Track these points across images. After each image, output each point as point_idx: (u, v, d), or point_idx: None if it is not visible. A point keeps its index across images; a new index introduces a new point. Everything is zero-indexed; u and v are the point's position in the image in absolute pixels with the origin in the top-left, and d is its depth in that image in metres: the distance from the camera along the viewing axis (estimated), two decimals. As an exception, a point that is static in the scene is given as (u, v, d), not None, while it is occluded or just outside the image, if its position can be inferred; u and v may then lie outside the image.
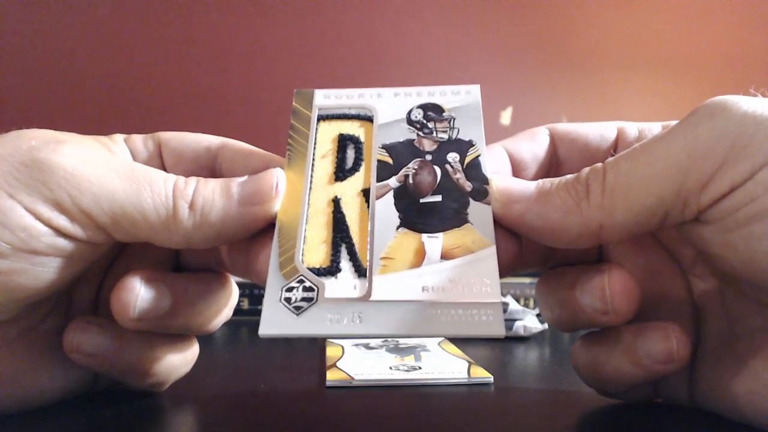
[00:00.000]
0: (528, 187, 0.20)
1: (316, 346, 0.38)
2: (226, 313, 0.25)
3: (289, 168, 0.22)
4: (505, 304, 0.42)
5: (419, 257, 0.19)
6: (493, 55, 0.91)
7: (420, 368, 0.30)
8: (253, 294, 0.52)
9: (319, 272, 0.19)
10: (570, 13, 0.91)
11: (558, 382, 0.30)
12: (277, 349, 0.41)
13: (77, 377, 0.24)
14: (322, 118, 0.24)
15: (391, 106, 0.23)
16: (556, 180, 0.20)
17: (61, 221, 0.19)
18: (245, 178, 0.21)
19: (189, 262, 0.26)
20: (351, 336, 0.19)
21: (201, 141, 0.24)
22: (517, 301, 0.47)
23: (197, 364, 0.27)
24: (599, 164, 0.20)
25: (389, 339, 0.38)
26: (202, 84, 0.88)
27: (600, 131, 0.24)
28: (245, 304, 0.52)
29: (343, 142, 0.23)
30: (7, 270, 0.19)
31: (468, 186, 0.21)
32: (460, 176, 0.21)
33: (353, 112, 0.24)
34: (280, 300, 0.19)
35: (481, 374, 0.28)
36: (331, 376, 0.28)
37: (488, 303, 0.18)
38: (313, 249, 0.20)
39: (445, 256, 0.19)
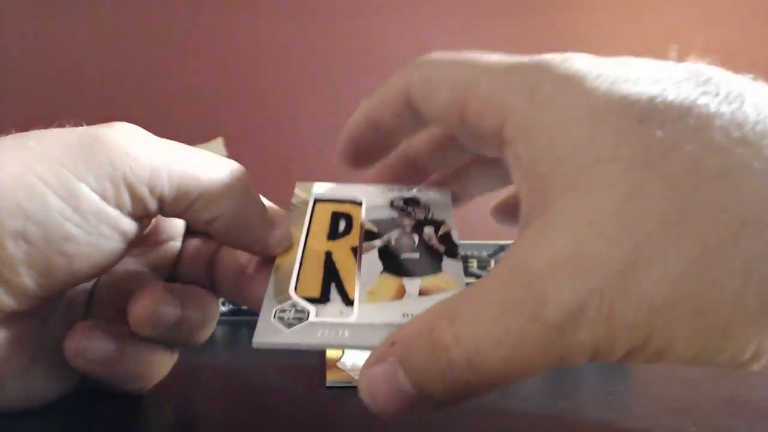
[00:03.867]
0: (406, 393, 0.18)
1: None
2: (213, 327, 0.26)
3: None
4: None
5: (400, 293, 0.22)
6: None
7: (420, 368, 0.30)
8: (253, 294, 0.52)
9: (311, 300, 0.21)
10: (570, 13, 0.91)
11: (558, 382, 0.30)
12: (277, 349, 0.41)
13: (69, 379, 0.24)
14: (318, 200, 0.27)
15: (376, 197, 0.27)
16: (425, 375, 0.17)
17: (125, 198, 0.20)
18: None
19: (183, 276, 0.26)
20: (338, 346, 0.20)
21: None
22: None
23: (197, 364, 0.27)
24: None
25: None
26: (201, 84, 0.88)
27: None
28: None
29: (336, 216, 0.26)
30: (74, 253, 0.19)
31: (441, 248, 0.24)
32: (434, 242, 0.24)
33: (345, 198, 0.27)
34: (274, 318, 0.21)
35: (481, 374, 0.28)
36: (331, 376, 0.28)
37: None
38: (307, 283, 0.22)
39: (422, 293, 0.22)
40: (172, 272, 0.26)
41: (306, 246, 0.24)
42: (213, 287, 0.26)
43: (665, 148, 0.15)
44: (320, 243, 0.24)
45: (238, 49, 0.89)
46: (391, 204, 0.26)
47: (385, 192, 0.27)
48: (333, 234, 0.25)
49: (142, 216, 0.21)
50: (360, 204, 0.27)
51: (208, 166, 0.21)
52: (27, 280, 0.19)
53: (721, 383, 0.28)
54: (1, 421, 0.22)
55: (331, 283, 0.22)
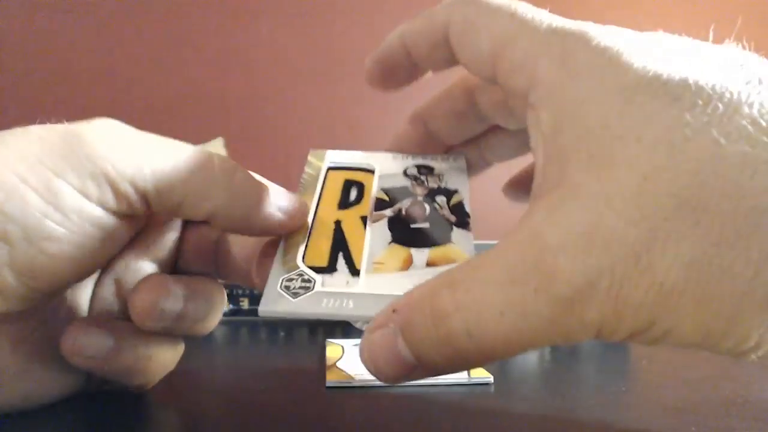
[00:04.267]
0: (403, 359, 0.18)
1: (316, 345, 0.38)
2: (219, 316, 0.25)
3: (299, 196, 0.25)
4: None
5: (407, 264, 0.22)
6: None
7: (420, 368, 0.30)
8: (253, 294, 0.52)
9: (317, 270, 0.21)
10: (570, 13, 0.91)
11: (558, 382, 0.30)
12: (277, 349, 0.41)
13: (73, 378, 0.24)
14: (331, 168, 0.27)
15: (390, 164, 0.27)
16: (424, 344, 0.18)
17: (108, 196, 0.19)
18: (272, 185, 0.23)
19: (187, 266, 0.26)
20: (342, 317, 0.20)
21: None
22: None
23: (198, 364, 0.27)
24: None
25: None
26: (201, 84, 0.88)
27: None
28: (245, 304, 0.52)
29: (348, 184, 0.26)
30: (57, 253, 0.19)
31: (453, 218, 0.24)
32: (446, 212, 0.24)
33: (357, 166, 0.27)
34: (280, 287, 0.21)
35: (481, 374, 0.28)
36: (331, 376, 0.28)
37: None
38: (315, 252, 0.22)
39: (429, 264, 0.22)
40: (176, 263, 0.26)
41: (316, 215, 0.24)
42: (220, 274, 0.26)
43: (692, 132, 0.15)
44: (330, 211, 0.24)
45: (238, 50, 0.89)
46: (405, 172, 0.26)
47: (399, 160, 0.27)
48: (344, 203, 0.25)
49: (128, 214, 0.20)
50: (373, 172, 0.26)
51: (193, 159, 0.21)
52: (11, 281, 0.19)
53: (721, 383, 0.28)
54: (2, 421, 0.22)
55: (339, 252, 0.22)
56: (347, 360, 0.32)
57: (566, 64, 0.18)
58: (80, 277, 0.21)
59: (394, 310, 0.18)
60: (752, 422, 0.22)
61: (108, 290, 0.24)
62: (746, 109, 0.15)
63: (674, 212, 0.15)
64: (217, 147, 0.77)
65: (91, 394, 0.25)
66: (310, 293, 0.20)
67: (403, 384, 0.28)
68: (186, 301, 0.22)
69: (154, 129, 0.26)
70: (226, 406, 0.25)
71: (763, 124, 0.15)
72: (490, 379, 0.28)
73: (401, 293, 0.19)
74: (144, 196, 0.20)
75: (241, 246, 0.25)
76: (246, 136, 0.81)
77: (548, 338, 0.16)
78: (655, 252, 0.15)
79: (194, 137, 0.28)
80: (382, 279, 0.21)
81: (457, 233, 0.23)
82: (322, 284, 0.21)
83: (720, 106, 0.15)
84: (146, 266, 0.25)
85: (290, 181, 0.29)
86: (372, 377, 0.28)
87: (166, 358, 0.24)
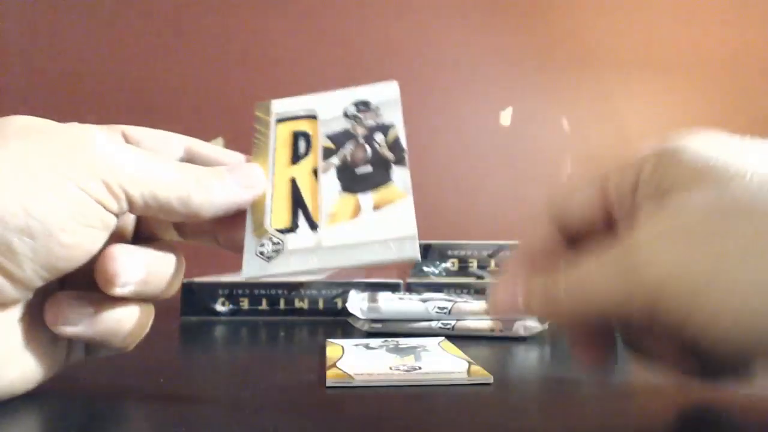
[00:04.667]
0: (516, 304, 0.24)
1: (316, 345, 0.38)
2: (181, 279, 0.27)
3: (255, 160, 0.28)
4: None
5: (357, 211, 0.25)
6: (493, 55, 0.91)
7: (420, 368, 0.30)
8: (253, 294, 0.52)
9: (283, 231, 0.25)
10: (570, 14, 0.91)
11: (558, 382, 0.30)
12: (277, 349, 0.41)
13: (58, 353, 0.25)
14: (279, 120, 0.29)
15: (331, 106, 0.29)
16: (534, 293, 0.23)
17: (107, 197, 0.22)
18: (230, 166, 0.26)
19: (149, 231, 0.28)
20: (311, 272, 0.24)
21: (171, 140, 0.28)
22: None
23: (197, 364, 0.27)
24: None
25: (389, 339, 0.38)
26: (201, 84, 0.88)
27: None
28: (245, 304, 0.52)
29: (296, 136, 0.28)
30: (71, 243, 0.22)
31: (391, 156, 0.27)
32: (384, 150, 0.27)
33: (302, 113, 0.29)
34: (256, 254, 0.25)
35: (481, 374, 0.28)
36: (331, 376, 0.28)
37: (407, 236, 0.24)
38: (278, 215, 0.26)
39: (375, 208, 0.25)
40: (137, 230, 0.27)
41: (274, 175, 0.27)
42: (183, 236, 0.28)
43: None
44: (285, 170, 0.27)
45: (238, 50, 0.89)
46: (345, 113, 0.29)
47: (338, 98, 0.29)
48: (295, 157, 0.28)
49: (117, 212, 0.23)
50: (315, 118, 0.29)
51: (177, 173, 0.24)
52: (30, 273, 0.21)
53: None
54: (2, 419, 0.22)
55: (298, 210, 0.26)
56: (347, 360, 0.32)
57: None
58: (83, 262, 0.23)
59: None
60: (752, 422, 0.22)
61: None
62: None
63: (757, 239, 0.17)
64: (217, 147, 0.77)
65: (90, 394, 0.25)
66: (280, 255, 0.24)
67: (403, 384, 0.28)
68: (147, 268, 0.24)
69: (154, 128, 0.27)
70: (226, 405, 0.25)
71: None
72: (490, 379, 0.28)
73: (354, 241, 0.24)
74: (135, 203, 0.23)
75: None
76: (246, 136, 0.81)
77: (614, 291, 0.19)
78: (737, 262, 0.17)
79: (194, 137, 0.28)
80: (337, 229, 0.25)
81: (395, 171, 0.26)
82: (289, 244, 0.25)
83: None
84: (108, 239, 0.25)
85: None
86: (372, 377, 0.28)
87: (141, 319, 0.26)
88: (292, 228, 0.25)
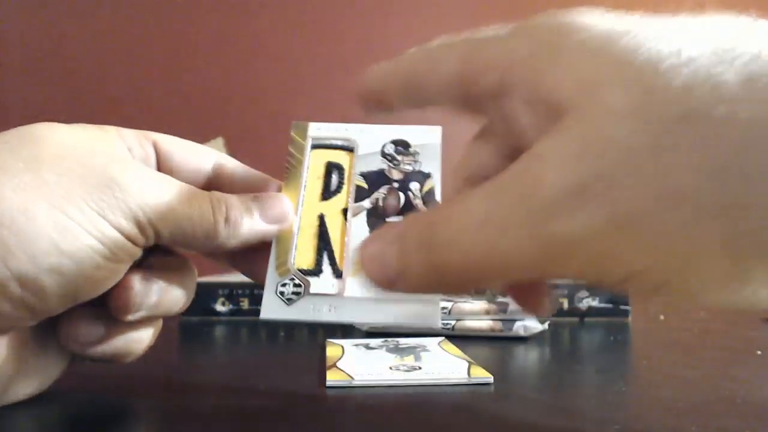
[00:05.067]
0: (389, 266, 0.19)
1: (316, 345, 0.38)
2: (192, 295, 0.27)
3: (286, 188, 0.27)
4: (505, 304, 0.42)
5: None
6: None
7: (420, 368, 0.30)
8: (253, 294, 0.52)
9: (306, 272, 0.25)
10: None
11: (558, 382, 0.30)
12: (277, 349, 0.41)
13: (63, 359, 0.25)
14: (314, 147, 0.28)
15: (369, 139, 0.28)
16: (411, 258, 0.18)
17: (136, 233, 0.22)
18: (259, 195, 0.26)
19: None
20: (328, 322, 0.25)
21: (202, 156, 0.27)
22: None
23: (198, 364, 0.27)
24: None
25: (389, 339, 0.38)
26: (201, 84, 0.88)
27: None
28: (245, 304, 0.52)
29: (330, 168, 0.28)
30: (100, 278, 0.22)
31: (424, 210, 0.26)
32: (418, 202, 0.26)
33: (339, 143, 0.28)
34: (276, 292, 0.24)
35: (481, 374, 0.28)
36: (331, 376, 0.28)
37: (429, 300, 0.23)
38: (303, 254, 0.25)
39: None
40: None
41: (303, 209, 0.26)
42: (218, 261, 0.28)
43: (672, 64, 0.14)
44: (314, 204, 0.27)
45: (237, 50, 0.89)
46: (383, 151, 0.28)
47: (377, 132, 0.28)
48: (326, 192, 0.27)
49: (144, 245, 0.23)
50: (352, 150, 0.28)
51: (199, 206, 0.24)
52: (54, 306, 0.21)
53: (721, 383, 0.28)
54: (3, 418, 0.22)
55: (324, 252, 0.25)
56: (347, 360, 0.32)
57: (538, 46, 0.17)
58: (103, 292, 0.23)
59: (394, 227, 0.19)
60: (752, 422, 0.22)
61: None
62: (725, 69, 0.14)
63: (680, 120, 0.14)
64: (217, 147, 0.77)
65: (90, 394, 0.25)
66: (301, 299, 0.24)
67: (403, 384, 0.28)
68: (160, 293, 0.24)
69: (154, 129, 0.27)
70: (226, 405, 0.25)
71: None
72: (490, 379, 0.28)
73: (375, 296, 0.23)
74: (162, 236, 0.23)
75: None
76: (246, 136, 0.81)
77: (529, 258, 0.15)
78: (662, 158, 0.14)
79: (194, 137, 0.28)
80: (359, 282, 0.24)
81: None
82: (311, 288, 0.24)
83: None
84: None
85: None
86: (372, 377, 0.28)
87: (148, 336, 0.26)
88: (316, 272, 0.25)
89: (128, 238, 0.22)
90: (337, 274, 0.25)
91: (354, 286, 0.24)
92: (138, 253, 0.23)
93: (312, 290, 0.24)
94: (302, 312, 0.24)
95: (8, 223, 0.20)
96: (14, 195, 0.20)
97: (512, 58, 0.18)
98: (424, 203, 0.26)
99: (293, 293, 0.24)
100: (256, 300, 0.52)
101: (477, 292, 0.22)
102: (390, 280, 0.18)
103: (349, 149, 0.28)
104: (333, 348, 0.35)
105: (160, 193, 0.23)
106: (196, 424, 0.22)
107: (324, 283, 0.24)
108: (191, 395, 0.27)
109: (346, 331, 0.44)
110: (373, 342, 0.37)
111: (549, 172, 0.15)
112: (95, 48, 0.88)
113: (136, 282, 0.23)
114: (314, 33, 0.89)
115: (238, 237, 0.24)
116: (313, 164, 0.28)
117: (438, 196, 0.26)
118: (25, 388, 0.24)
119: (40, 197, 0.20)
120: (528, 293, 0.22)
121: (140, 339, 0.25)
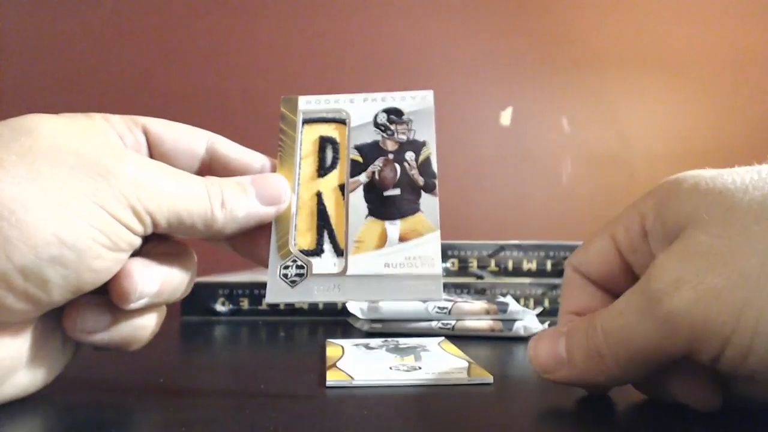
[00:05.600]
0: (559, 356, 0.24)
1: (316, 345, 0.38)
2: (193, 282, 0.27)
3: (281, 167, 0.27)
4: (505, 304, 0.42)
5: (383, 240, 0.25)
6: (493, 55, 0.91)
7: (420, 368, 0.30)
8: (253, 294, 0.52)
9: (307, 253, 0.25)
10: (570, 13, 0.91)
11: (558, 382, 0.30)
12: (277, 349, 0.41)
13: (69, 350, 0.25)
14: (305, 121, 0.28)
15: (361, 110, 0.28)
16: (576, 346, 0.23)
17: (134, 222, 0.22)
18: (255, 177, 0.26)
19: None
20: (333, 301, 0.25)
21: (194, 138, 0.27)
22: (517, 301, 0.47)
23: (198, 364, 0.27)
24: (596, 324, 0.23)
25: (389, 339, 0.38)
26: (200, 83, 0.88)
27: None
28: (245, 304, 0.52)
29: (323, 143, 0.27)
30: (101, 268, 0.22)
31: (420, 181, 0.26)
32: (414, 172, 0.26)
33: (331, 116, 0.28)
34: (279, 276, 0.24)
35: (481, 374, 0.28)
36: (331, 376, 0.28)
37: (432, 275, 0.24)
38: (303, 235, 0.25)
39: (401, 239, 0.25)
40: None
41: (299, 190, 0.26)
42: (221, 246, 0.28)
43: None
44: (311, 182, 0.27)
45: (238, 50, 0.89)
46: (375, 121, 0.27)
47: (368, 102, 0.28)
48: (322, 168, 0.27)
49: (142, 234, 0.23)
50: (344, 123, 0.28)
51: (196, 192, 0.24)
52: (57, 298, 0.21)
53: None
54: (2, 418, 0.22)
55: (324, 231, 0.25)
56: (347, 360, 0.32)
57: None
58: (104, 282, 0.23)
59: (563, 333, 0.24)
60: (752, 422, 0.22)
61: None
62: None
63: (752, 224, 0.19)
64: (239, 146, 0.78)
65: (90, 394, 0.25)
66: (304, 280, 0.24)
67: (403, 384, 0.28)
68: (161, 281, 0.24)
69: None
70: (226, 405, 0.25)
71: None
72: (490, 379, 0.28)
73: (379, 273, 0.24)
74: (159, 224, 0.23)
75: None
76: (246, 135, 0.81)
77: (648, 335, 0.20)
78: (736, 250, 0.19)
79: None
80: (362, 259, 0.24)
81: (424, 199, 0.26)
82: (313, 268, 0.25)
83: None
84: None
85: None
86: (372, 377, 0.28)
87: (153, 322, 0.26)
88: (318, 252, 0.25)
89: (126, 227, 0.22)
90: (339, 252, 0.25)
91: (356, 264, 0.24)
92: (137, 241, 0.23)
93: (314, 271, 0.24)
94: (307, 294, 0.24)
95: (7, 216, 0.20)
96: (10, 188, 0.20)
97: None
98: (420, 173, 0.26)
99: (296, 275, 0.24)
100: (257, 300, 0.52)
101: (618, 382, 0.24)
102: (557, 365, 0.24)
103: (342, 121, 0.28)
104: (333, 348, 0.35)
105: (154, 183, 0.23)
106: (196, 424, 0.22)
107: (326, 263, 0.25)
108: (191, 395, 0.27)
109: (346, 331, 0.44)
110: (373, 342, 0.37)
111: (657, 269, 0.21)
112: (96, 48, 0.88)
113: (136, 270, 0.23)
114: (315, 33, 0.89)
115: (236, 221, 0.25)
116: (306, 140, 0.27)
117: (434, 165, 0.26)
118: (31, 381, 0.24)
119: (36, 189, 0.20)
120: (690, 387, 0.23)
121: (145, 326, 0.25)
